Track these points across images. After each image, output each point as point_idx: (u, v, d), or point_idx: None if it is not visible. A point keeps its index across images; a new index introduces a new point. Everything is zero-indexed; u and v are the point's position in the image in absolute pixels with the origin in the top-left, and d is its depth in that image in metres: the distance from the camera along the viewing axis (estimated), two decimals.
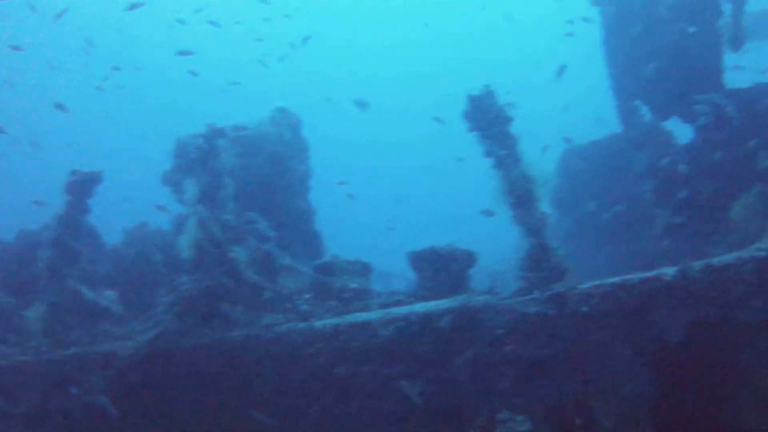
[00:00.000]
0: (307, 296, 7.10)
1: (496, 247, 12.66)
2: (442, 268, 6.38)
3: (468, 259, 6.40)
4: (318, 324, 6.27)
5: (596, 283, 5.46)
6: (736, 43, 7.89)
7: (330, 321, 6.28)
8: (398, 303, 6.43)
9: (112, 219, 10.74)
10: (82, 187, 7.61)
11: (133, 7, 16.25)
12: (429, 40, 42.93)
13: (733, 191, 7.78)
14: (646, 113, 9.64)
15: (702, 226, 7.73)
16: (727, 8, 8.69)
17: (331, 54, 42.79)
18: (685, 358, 5.27)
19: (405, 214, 33.66)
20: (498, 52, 41.12)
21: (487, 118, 6.02)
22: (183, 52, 15.14)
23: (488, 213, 6.22)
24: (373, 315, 6.13)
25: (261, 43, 26.33)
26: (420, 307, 5.97)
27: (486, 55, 40.50)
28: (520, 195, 5.71)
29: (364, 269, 7.26)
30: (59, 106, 15.96)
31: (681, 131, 9.33)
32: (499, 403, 5.55)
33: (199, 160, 7.04)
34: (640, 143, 9.64)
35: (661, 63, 8.94)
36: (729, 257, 5.33)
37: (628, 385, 5.35)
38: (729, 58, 8.81)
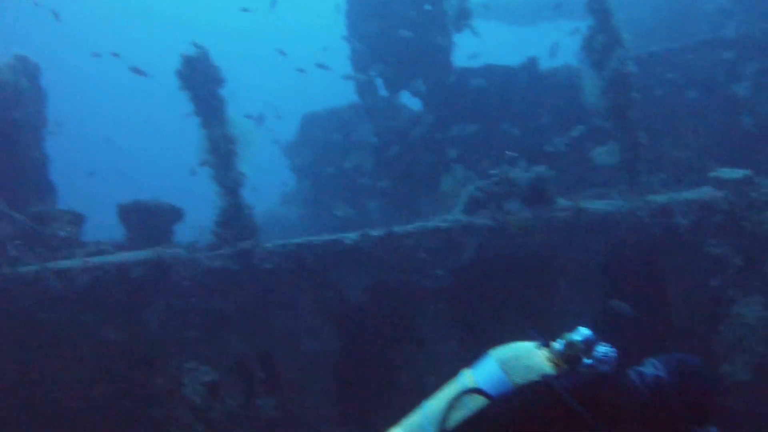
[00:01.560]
0: (17, 242, 6.84)
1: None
2: (148, 220, 6.38)
3: (173, 213, 6.44)
4: (23, 269, 6.07)
5: (281, 242, 5.74)
6: (458, 24, 8.39)
7: (33, 267, 6.09)
8: (101, 252, 6.38)
9: None
10: None
11: None
12: None
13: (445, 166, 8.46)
14: (380, 86, 10.02)
15: (415, 197, 8.33)
16: None
17: None
18: (366, 318, 5.71)
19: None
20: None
21: (199, 79, 6.02)
22: None
23: (192, 172, 6.28)
24: (74, 263, 6.04)
25: None
26: (118, 257, 5.96)
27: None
28: (220, 155, 5.82)
29: (75, 218, 7.08)
30: None
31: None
32: (187, 353, 5.72)
33: None
34: (371, 114, 10.02)
35: (395, 37, 9.32)
36: (412, 226, 5.64)
37: (310, 341, 5.72)
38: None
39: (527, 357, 2.72)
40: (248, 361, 5.68)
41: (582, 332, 2.71)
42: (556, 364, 2.68)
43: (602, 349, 2.68)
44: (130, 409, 5.85)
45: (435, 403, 2.70)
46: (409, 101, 9.56)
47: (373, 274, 5.61)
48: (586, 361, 2.66)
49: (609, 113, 5.75)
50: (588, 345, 2.68)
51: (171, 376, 5.73)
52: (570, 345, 2.68)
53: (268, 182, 13.14)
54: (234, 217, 5.76)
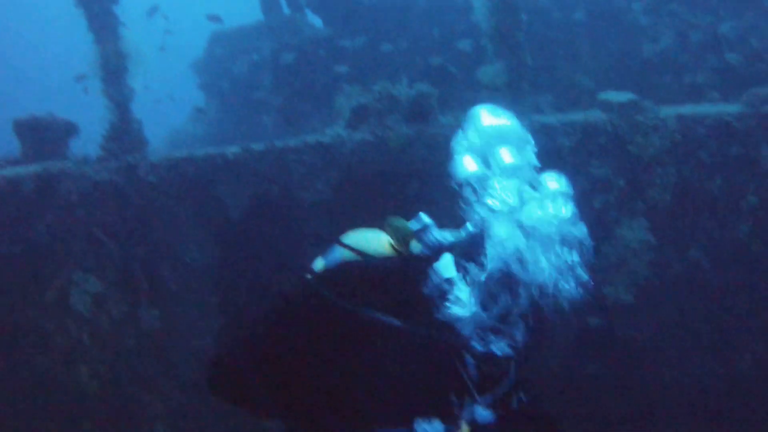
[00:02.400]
0: None
1: None
2: (42, 135, 6.44)
3: (68, 128, 6.50)
4: None
5: (165, 155, 5.81)
6: None
7: None
8: None
9: None
10: None
11: None
12: None
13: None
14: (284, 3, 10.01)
15: (309, 114, 8.36)
16: None
17: None
18: (247, 231, 5.80)
19: None
20: None
21: None
22: None
23: (85, 89, 6.34)
24: None
25: None
26: (9, 171, 6.04)
27: None
28: (110, 70, 5.88)
29: None
30: None
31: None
32: (74, 264, 5.81)
33: None
34: (274, 31, 9.98)
35: None
36: (293, 140, 5.67)
37: (192, 252, 5.82)
38: None
39: (370, 240, 2.78)
40: (132, 272, 5.77)
41: (420, 218, 2.72)
42: (394, 249, 2.70)
43: (436, 233, 2.69)
44: (21, 321, 5.95)
45: None
46: (315, 20, 9.61)
47: (254, 187, 5.68)
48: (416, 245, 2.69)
49: (496, 34, 5.79)
50: (422, 229, 2.70)
51: (60, 288, 5.82)
52: (397, 230, 2.72)
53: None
54: (122, 131, 5.83)
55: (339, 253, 2.78)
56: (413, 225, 2.69)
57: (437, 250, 2.62)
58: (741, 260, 6.13)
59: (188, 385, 5.81)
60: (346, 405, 2.44)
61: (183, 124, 11.65)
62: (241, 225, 5.71)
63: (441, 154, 5.64)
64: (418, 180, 5.65)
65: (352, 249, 2.75)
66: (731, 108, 6.04)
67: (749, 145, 6.02)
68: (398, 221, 2.73)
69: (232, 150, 5.66)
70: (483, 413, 2.44)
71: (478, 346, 2.36)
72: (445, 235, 2.68)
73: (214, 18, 9.17)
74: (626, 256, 5.83)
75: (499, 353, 2.36)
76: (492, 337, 2.38)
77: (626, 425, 6.14)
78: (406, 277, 2.57)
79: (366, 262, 2.69)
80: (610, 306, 5.92)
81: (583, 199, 5.78)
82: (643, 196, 5.92)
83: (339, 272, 2.64)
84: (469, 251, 2.51)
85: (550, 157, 5.75)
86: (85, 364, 5.93)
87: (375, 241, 2.82)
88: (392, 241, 2.73)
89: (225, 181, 5.69)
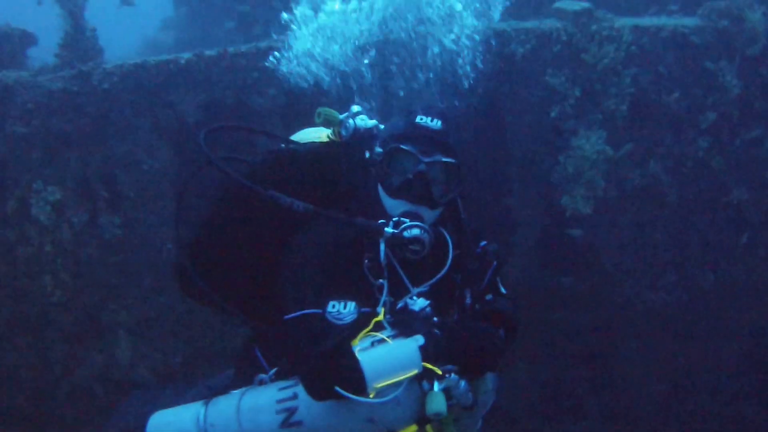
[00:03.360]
0: None
1: None
2: None
3: (24, 38, 6.53)
4: None
5: (119, 63, 5.84)
6: None
7: None
8: None
9: None
10: None
11: None
12: None
13: None
14: None
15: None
16: None
17: None
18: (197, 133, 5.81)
19: None
20: None
21: None
22: None
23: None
24: None
25: None
26: None
27: None
28: None
29: None
30: None
31: None
32: (33, 174, 5.89)
33: None
34: None
35: None
36: (245, 46, 5.70)
37: (149, 160, 5.87)
38: None
39: (311, 133, 2.85)
40: (91, 180, 5.83)
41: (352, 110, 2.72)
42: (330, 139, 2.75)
43: (360, 120, 2.66)
44: None
45: None
46: None
47: (208, 92, 5.72)
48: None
49: None
50: (349, 116, 2.67)
51: (20, 199, 5.90)
52: (326, 119, 2.72)
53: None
54: (76, 40, 5.87)
55: (274, 146, 2.83)
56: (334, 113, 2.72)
57: (361, 136, 2.64)
58: (700, 176, 6.10)
59: (151, 292, 5.89)
60: (271, 291, 2.47)
61: (154, 33, 11.61)
62: (195, 130, 5.74)
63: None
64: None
65: (287, 140, 2.83)
66: (689, 21, 5.98)
67: (708, 60, 5.96)
68: (326, 110, 2.70)
69: (185, 56, 5.68)
70: (417, 301, 2.43)
71: (389, 230, 2.38)
72: (368, 122, 2.66)
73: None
74: (583, 167, 5.80)
75: (408, 235, 2.37)
76: (407, 222, 2.40)
77: (590, 337, 6.14)
78: (326, 162, 2.63)
79: (291, 149, 2.74)
80: (568, 217, 5.90)
81: (538, 108, 5.84)
82: (600, 107, 5.87)
83: (265, 161, 2.70)
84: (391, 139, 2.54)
85: (505, 64, 5.79)
86: (49, 274, 6.00)
87: (314, 133, 2.87)
88: (329, 133, 2.77)
89: (179, 87, 5.73)
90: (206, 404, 2.46)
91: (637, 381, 6.29)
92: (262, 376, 2.52)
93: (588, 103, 5.87)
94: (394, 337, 2.27)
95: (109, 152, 5.82)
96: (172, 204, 5.86)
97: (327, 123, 2.72)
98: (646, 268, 6.10)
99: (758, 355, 6.35)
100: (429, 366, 2.20)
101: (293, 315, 2.30)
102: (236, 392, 2.45)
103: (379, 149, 2.53)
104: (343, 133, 2.66)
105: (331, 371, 2.19)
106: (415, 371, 2.19)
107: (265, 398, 2.36)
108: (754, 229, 6.20)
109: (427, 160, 2.43)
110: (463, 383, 2.26)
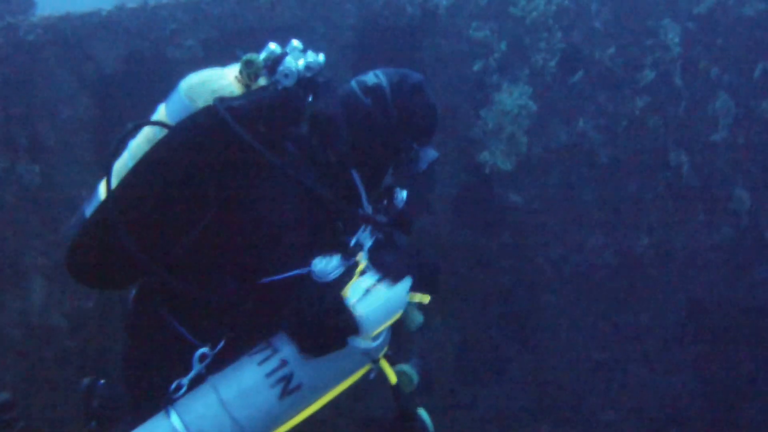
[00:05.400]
0: None
1: None
2: None
3: None
4: None
5: (44, 15, 5.86)
6: None
7: None
8: None
9: None
10: None
11: None
12: None
13: None
14: None
15: None
16: None
17: None
18: (122, 87, 5.84)
19: None
20: None
21: None
22: None
23: None
24: None
25: None
26: None
27: None
28: None
29: None
30: None
31: None
32: None
33: None
34: None
35: None
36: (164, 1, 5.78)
37: (68, 110, 5.92)
38: None
39: (215, 80, 2.36)
40: (12, 129, 5.92)
41: (290, 45, 2.39)
42: (246, 85, 2.35)
43: (290, 61, 2.33)
44: None
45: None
46: None
47: (127, 45, 5.74)
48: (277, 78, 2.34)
49: None
50: (274, 60, 2.33)
51: None
52: (248, 63, 2.33)
53: None
54: None
55: (180, 95, 2.41)
56: (257, 56, 2.37)
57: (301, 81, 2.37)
58: (636, 137, 5.90)
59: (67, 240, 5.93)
60: (238, 253, 2.25)
61: None
62: (115, 81, 5.80)
63: (315, 7, 5.65)
64: (290, 33, 5.59)
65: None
66: None
67: (650, 18, 5.77)
68: (251, 56, 2.37)
69: (105, 8, 5.70)
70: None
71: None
72: (298, 65, 2.36)
73: None
74: (504, 122, 5.65)
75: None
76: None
77: (513, 298, 6.01)
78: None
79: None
80: (487, 173, 5.76)
81: (461, 62, 5.71)
82: (527, 61, 5.72)
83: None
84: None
85: (425, 18, 5.67)
86: None
87: (220, 79, 2.41)
88: (241, 77, 2.38)
89: (100, 39, 5.76)
90: (170, 414, 2.11)
91: (564, 346, 6.12)
92: (204, 350, 2.23)
93: (514, 58, 5.72)
94: (380, 281, 2.30)
95: (31, 102, 5.88)
96: (90, 153, 5.92)
97: (248, 66, 2.35)
98: (573, 229, 5.92)
99: (694, 325, 6.13)
100: (417, 299, 2.41)
101: (280, 277, 2.19)
102: (203, 389, 2.17)
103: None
104: (283, 80, 2.32)
105: (335, 328, 2.18)
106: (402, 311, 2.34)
107: (249, 379, 2.15)
108: (692, 193, 5.97)
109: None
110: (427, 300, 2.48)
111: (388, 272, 2.30)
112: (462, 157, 5.82)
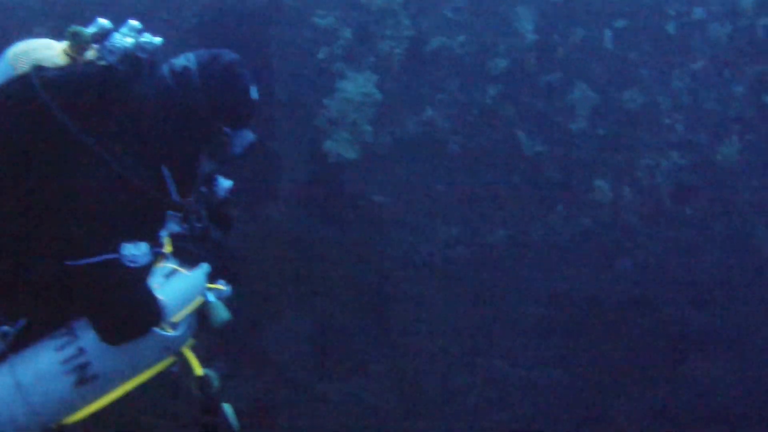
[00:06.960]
0: None
1: None
2: None
3: None
4: None
5: None
6: None
7: None
8: None
9: None
10: None
11: None
12: None
13: None
14: None
15: None
16: None
17: None
18: None
19: None
20: None
21: None
22: None
23: None
24: None
25: None
26: None
27: None
28: None
29: None
30: None
31: None
32: None
33: None
34: None
35: None
36: None
37: None
38: None
39: (41, 49, 2.35)
40: None
41: (127, 24, 2.36)
42: (72, 58, 2.33)
43: (118, 38, 2.30)
44: None
45: None
46: None
47: None
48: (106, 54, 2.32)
49: None
50: (103, 34, 2.31)
51: None
52: (75, 35, 2.32)
53: None
54: None
55: (5, 63, 2.42)
56: (86, 29, 2.37)
57: (127, 60, 2.33)
58: (490, 126, 5.81)
59: None
60: (46, 232, 2.18)
61: None
62: None
63: None
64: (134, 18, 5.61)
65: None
66: None
67: (502, 4, 5.69)
68: (78, 28, 2.38)
69: None
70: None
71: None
72: (126, 42, 2.32)
73: None
74: (347, 110, 5.59)
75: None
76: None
77: (364, 290, 5.91)
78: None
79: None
80: (332, 163, 5.69)
81: (306, 50, 5.67)
82: (373, 49, 5.66)
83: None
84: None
85: (270, 5, 5.64)
86: None
87: (46, 50, 2.42)
88: (68, 49, 2.36)
89: None
90: None
91: (425, 338, 6.01)
92: (4, 328, 2.19)
93: (359, 46, 5.66)
94: (178, 267, 2.36)
95: None
96: None
97: (75, 39, 2.35)
98: (424, 220, 5.83)
99: (558, 319, 5.99)
100: (214, 286, 2.42)
101: (89, 261, 2.12)
102: (1, 369, 2.15)
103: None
104: (107, 56, 2.30)
105: (139, 316, 2.20)
106: (203, 298, 2.36)
107: (45, 364, 2.13)
108: (551, 184, 5.85)
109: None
110: (227, 290, 2.47)
111: (187, 259, 2.35)
112: (309, 147, 5.75)
